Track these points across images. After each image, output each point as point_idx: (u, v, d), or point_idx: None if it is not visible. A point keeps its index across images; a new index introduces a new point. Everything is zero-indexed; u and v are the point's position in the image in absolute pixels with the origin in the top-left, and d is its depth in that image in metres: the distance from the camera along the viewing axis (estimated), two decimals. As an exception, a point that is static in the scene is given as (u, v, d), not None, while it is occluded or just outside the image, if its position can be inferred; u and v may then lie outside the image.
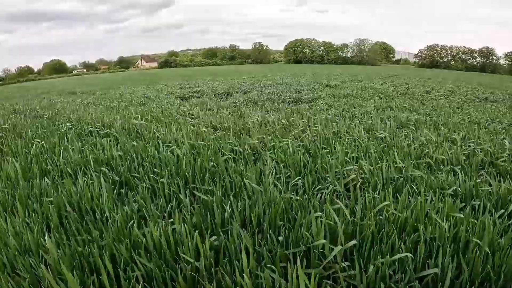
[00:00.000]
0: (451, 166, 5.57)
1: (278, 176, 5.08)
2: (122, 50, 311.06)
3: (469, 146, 6.90)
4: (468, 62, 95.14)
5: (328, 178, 4.82)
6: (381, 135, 7.31)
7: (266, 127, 8.67)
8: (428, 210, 3.76)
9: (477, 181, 4.57)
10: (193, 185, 5.03)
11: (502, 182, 4.68)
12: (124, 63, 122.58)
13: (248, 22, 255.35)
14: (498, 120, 11.17)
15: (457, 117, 11.10)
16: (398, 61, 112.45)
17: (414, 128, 8.63)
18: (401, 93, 19.13)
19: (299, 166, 5.31)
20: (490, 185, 4.58)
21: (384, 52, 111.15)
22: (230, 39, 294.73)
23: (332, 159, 5.52)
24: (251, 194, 4.41)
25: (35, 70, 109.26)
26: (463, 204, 4.19)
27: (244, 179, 4.79)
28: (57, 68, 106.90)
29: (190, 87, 23.94)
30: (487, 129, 9.25)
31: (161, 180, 5.01)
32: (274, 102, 15.17)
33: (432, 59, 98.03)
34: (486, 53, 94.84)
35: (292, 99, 15.85)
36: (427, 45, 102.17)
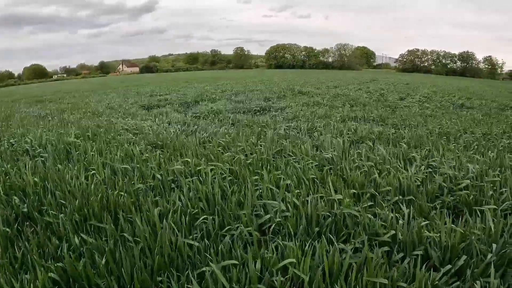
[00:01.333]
0: (401, 197, 4.66)
1: (193, 211, 4.18)
2: (104, 55, 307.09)
3: (429, 167, 6.04)
4: (448, 66, 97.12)
5: (244, 216, 3.90)
6: (328, 155, 6.35)
7: (206, 145, 7.72)
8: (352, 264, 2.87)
9: (422, 224, 3.68)
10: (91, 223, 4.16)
11: (456, 224, 3.81)
12: (105, 68, 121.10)
13: (231, 28, 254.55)
14: (471, 130, 10.42)
15: (426, 128, 10.32)
16: (379, 66, 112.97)
17: (371, 144, 7.71)
18: (374, 100, 18.42)
19: (214, 199, 4.38)
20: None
21: (365, 57, 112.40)
22: (212, 44, 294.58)
23: (258, 189, 4.63)
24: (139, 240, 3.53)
25: (16, 74, 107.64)
26: (402, 254, 3.30)
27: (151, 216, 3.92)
28: (37, 73, 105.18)
29: (161, 94, 22.89)
30: (455, 143, 8.43)
31: (61, 215, 4.20)
32: (239, 111, 14.30)
33: (413, 64, 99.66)
34: (466, 57, 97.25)
35: (259, 108, 14.96)
36: (408, 50, 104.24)
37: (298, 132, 9.51)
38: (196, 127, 10.42)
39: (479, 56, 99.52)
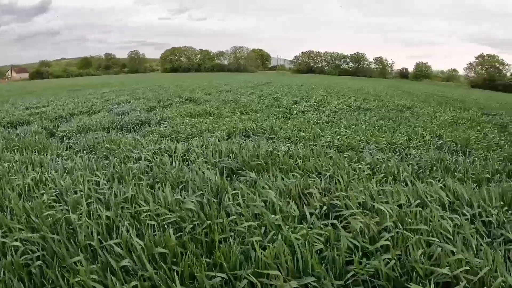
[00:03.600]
0: (295, 284, 2.86)
1: None
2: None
3: (333, 206, 4.32)
4: (341, 67, 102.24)
5: None
6: (189, 206, 4.30)
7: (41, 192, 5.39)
8: None
9: None
10: None
11: None
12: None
13: (127, 30, 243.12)
14: (374, 139, 9.14)
15: (325, 141, 8.82)
16: (274, 68, 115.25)
17: (255, 176, 5.78)
18: (267, 105, 16.91)
19: None
20: None
21: (261, 59, 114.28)
22: (107, 47, 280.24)
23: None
24: None
25: None
26: None
27: None
28: None
29: (38, 106, 19.21)
30: (359, 160, 6.96)
31: None
32: (116, 126, 11.95)
33: (307, 65, 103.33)
34: (358, 58, 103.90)
35: (138, 121, 12.63)
36: (302, 52, 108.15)
37: (170, 157, 7.46)
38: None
39: (370, 57, 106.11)
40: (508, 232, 4.12)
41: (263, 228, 3.87)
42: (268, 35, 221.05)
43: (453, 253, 3.46)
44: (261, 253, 3.33)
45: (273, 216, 4.08)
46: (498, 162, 7.79)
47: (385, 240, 3.58)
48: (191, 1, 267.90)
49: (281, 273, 3.15)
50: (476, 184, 6.20)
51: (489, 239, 4.06)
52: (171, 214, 4.31)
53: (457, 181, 6.16)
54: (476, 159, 8.12)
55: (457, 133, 11.04)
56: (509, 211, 4.66)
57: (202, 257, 3.39)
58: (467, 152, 8.97)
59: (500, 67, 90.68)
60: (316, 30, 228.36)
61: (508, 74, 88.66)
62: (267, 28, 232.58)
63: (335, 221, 3.98)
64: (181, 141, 9.22)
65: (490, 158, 8.26)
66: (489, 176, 6.76)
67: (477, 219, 4.44)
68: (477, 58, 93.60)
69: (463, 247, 3.62)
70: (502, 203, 4.87)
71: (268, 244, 3.53)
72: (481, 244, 3.85)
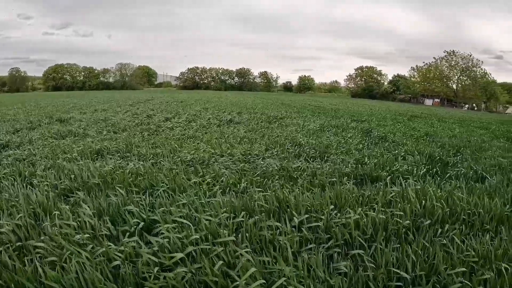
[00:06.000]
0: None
1: None
2: None
3: (154, 222, 4.21)
4: (227, 82, 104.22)
5: None
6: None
7: None
8: None
9: None
10: None
11: None
12: None
13: (8, 45, 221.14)
14: (229, 152, 9.15)
15: (178, 156, 8.68)
16: (160, 85, 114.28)
17: (82, 196, 5.53)
18: (137, 123, 16.43)
19: None
20: None
21: (147, 76, 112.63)
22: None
23: None
24: None
25: None
26: None
27: None
28: None
29: None
30: (203, 174, 6.89)
31: None
32: None
33: (193, 81, 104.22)
34: (243, 73, 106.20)
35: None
36: (188, 68, 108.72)
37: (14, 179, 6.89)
38: None
39: (256, 72, 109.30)
40: (336, 236, 4.25)
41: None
42: (154, 52, 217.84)
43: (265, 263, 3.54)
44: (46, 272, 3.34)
45: (79, 236, 3.93)
46: (350, 165, 8.14)
47: (188, 253, 3.55)
48: (76, 16, 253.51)
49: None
50: (319, 188, 6.32)
51: (314, 245, 4.13)
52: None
53: (300, 187, 6.29)
54: (330, 163, 8.47)
55: (320, 140, 11.50)
56: (338, 214, 4.80)
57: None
58: (325, 157, 9.30)
59: (378, 78, 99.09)
60: (202, 47, 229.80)
61: (386, 83, 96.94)
62: (155, 45, 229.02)
63: (136, 238, 3.92)
64: (35, 164, 8.58)
65: (342, 162, 8.63)
66: (335, 179, 6.97)
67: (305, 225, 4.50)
68: (356, 70, 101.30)
69: (278, 257, 3.66)
70: (333, 206, 5.03)
71: (64, 264, 3.50)
72: (299, 251, 3.94)
